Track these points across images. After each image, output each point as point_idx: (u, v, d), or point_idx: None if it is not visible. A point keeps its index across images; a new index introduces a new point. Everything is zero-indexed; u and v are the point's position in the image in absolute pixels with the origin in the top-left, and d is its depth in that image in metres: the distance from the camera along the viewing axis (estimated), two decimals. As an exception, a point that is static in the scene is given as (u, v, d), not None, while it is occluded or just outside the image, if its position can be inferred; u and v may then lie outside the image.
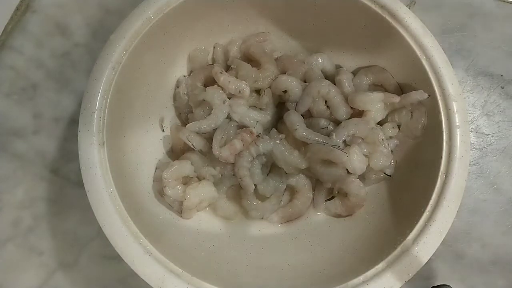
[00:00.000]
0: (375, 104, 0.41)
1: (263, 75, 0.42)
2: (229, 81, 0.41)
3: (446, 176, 0.35)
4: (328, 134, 0.41)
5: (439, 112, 0.37)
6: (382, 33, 0.40)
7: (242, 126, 0.42)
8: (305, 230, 0.42)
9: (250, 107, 0.42)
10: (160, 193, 0.41)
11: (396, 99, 0.40)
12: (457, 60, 0.50)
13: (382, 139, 0.40)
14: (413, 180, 0.40)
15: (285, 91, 0.42)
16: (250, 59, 0.44)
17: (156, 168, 0.42)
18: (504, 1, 0.51)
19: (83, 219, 0.45)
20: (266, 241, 0.42)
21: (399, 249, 0.34)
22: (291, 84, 0.42)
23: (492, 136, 0.47)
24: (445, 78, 0.37)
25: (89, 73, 0.37)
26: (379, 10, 0.39)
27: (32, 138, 0.47)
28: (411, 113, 0.41)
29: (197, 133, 0.41)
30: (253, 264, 0.39)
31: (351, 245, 0.39)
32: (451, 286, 0.39)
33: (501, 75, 0.49)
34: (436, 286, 0.40)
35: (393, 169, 0.42)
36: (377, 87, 0.43)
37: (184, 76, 0.45)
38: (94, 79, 0.36)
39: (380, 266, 0.34)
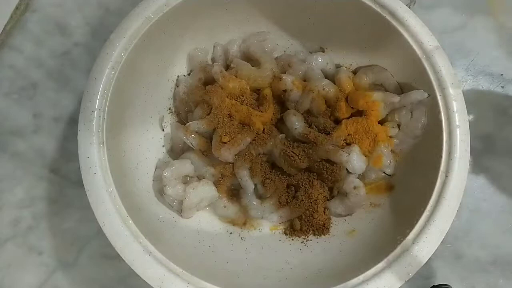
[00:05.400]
0: (375, 104, 0.41)
1: (263, 74, 0.42)
2: (229, 81, 0.41)
3: (446, 176, 0.35)
4: (328, 134, 0.41)
5: (439, 112, 0.37)
6: (382, 32, 0.40)
7: (243, 125, 0.42)
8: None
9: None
10: (160, 193, 0.41)
11: (396, 98, 0.40)
12: (457, 60, 0.49)
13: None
14: (413, 180, 0.40)
15: (285, 91, 0.42)
16: (250, 59, 0.44)
17: (156, 168, 0.42)
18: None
19: (82, 218, 0.44)
20: (266, 240, 0.42)
21: (399, 248, 0.34)
22: (291, 83, 0.42)
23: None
24: (445, 77, 0.37)
25: (88, 72, 0.37)
26: (379, 10, 0.39)
27: (31, 138, 0.47)
28: (411, 112, 0.41)
29: (196, 132, 0.41)
30: (253, 263, 0.39)
31: (351, 245, 0.39)
32: (451, 285, 0.39)
33: (501, 75, 0.49)
34: (436, 285, 0.40)
35: (393, 168, 0.42)
36: (377, 86, 0.43)
37: (184, 75, 0.45)
38: (94, 78, 0.36)
39: (380, 265, 0.34)
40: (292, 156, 0.40)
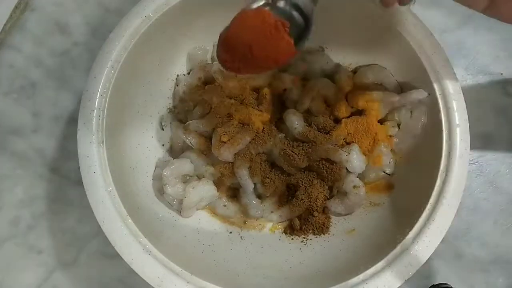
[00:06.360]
0: (374, 103, 0.41)
1: (263, 73, 0.42)
2: (229, 80, 0.41)
3: (446, 175, 0.35)
4: (328, 133, 0.41)
5: (439, 111, 0.37)
6: (382, 31, 0.40)
7: (242, 125, 0.42)
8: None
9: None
10: (159, 192, 0.41)
11: (396, 98, 0.40)
12: (457, 59, 0.49)
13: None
14: (413, 179, 0.40)
15: (284, 90, 0.42)
16: (250, 58, 0.44)
17: (155, 167, 0.42)
18: (504, 0, 0.51)
19: (82, 217, 0.44)
20: (266, 240, 0.42)
21: (398, 248, 0.34)
22: (291, 82, 0.42)
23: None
24: (445, 76, 0.37)
25: (88, 71, 0.37)
26: (379, 9, 0.39)
27: (31, 137, 0.47)
28: (411, 111, 0.41)
29: (196, 131, 0.41)
30: (253, 263, 0.39)
31: (351, 244, 0.39)
32: (451, 285, 0.39)
33: (501, 74, 0.49)
34: (436, 285, 0.40)
35: (393, 168, 0.42)
36: (377, 85, 0.43)
37: (184, 74, 0.45)
38: (93, 77, 0.36)
39: (379, 265, 0.34)
40: (292, 156, 0.40)
